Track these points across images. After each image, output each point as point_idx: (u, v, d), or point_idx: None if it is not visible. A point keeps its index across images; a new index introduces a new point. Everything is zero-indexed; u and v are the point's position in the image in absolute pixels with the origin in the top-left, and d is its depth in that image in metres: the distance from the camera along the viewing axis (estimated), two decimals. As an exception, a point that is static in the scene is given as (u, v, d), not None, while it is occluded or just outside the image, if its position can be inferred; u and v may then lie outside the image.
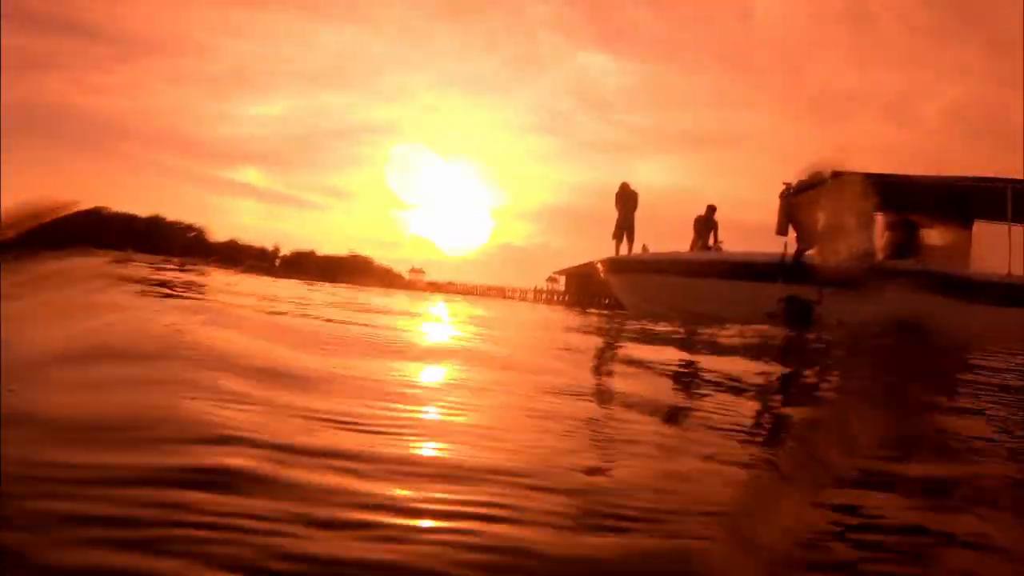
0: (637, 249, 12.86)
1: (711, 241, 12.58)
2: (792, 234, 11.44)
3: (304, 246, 50.80)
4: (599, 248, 13.66)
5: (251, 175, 73.52)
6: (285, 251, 50.29)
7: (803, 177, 11.39)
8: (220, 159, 77.49)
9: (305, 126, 69.14)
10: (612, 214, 13.09)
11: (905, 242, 11.04)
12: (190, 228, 46.98)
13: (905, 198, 11.21)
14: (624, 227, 12.96)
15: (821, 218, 11.39)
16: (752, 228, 17.02)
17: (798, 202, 11.34)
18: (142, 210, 45.69)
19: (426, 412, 1.56)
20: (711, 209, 12.76)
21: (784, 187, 11.64)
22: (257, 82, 75.40)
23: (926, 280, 10.18)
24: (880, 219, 11.69)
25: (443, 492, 0.95)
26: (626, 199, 13.05)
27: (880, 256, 11.25)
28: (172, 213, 49.36)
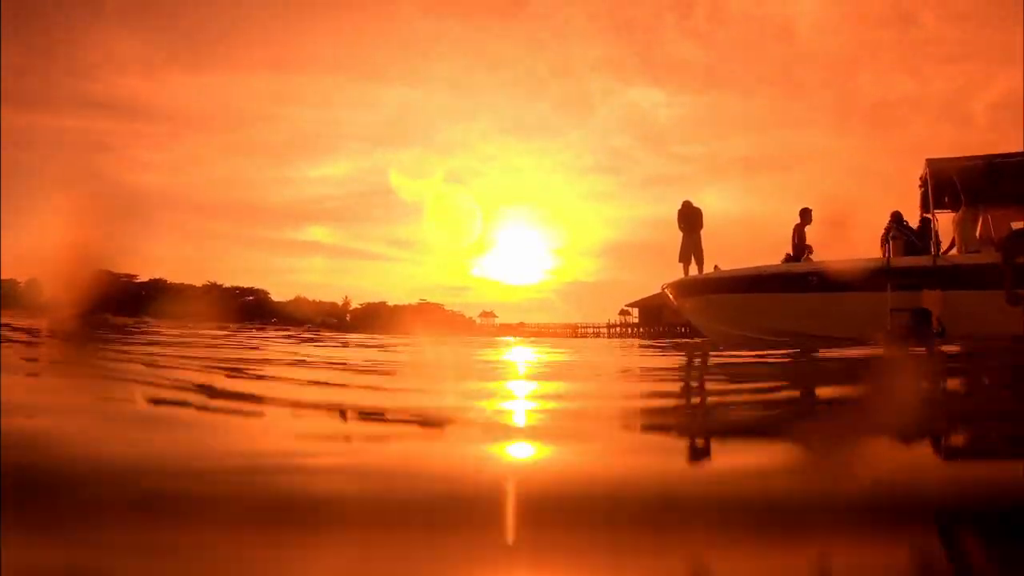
0: (708, 270, 11.71)
1: (803, 252, 11.15)
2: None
3: (375, 298, 51.25)
4: (667, 277, 12.53)
5: (317, 233, 76.00)
6: (356, 304, 50.90)
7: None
8: (284, 221, 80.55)
9: (368, 184, 71.46)
10: (676, 241, 12.02)
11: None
12: (248, 292, 47.48)
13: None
14: (691, 248, 11.85)
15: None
16: (817, 246, 15.40)
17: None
18: (198, 279, 45.30)
19: None
20: (806, 213, 11.36)
21: (890, 220, 10.34)
22: (317, 146, 78.52)
23: None
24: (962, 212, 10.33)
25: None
26: (689, 218, 11.96)
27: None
28: (233, 279, 49.05)
